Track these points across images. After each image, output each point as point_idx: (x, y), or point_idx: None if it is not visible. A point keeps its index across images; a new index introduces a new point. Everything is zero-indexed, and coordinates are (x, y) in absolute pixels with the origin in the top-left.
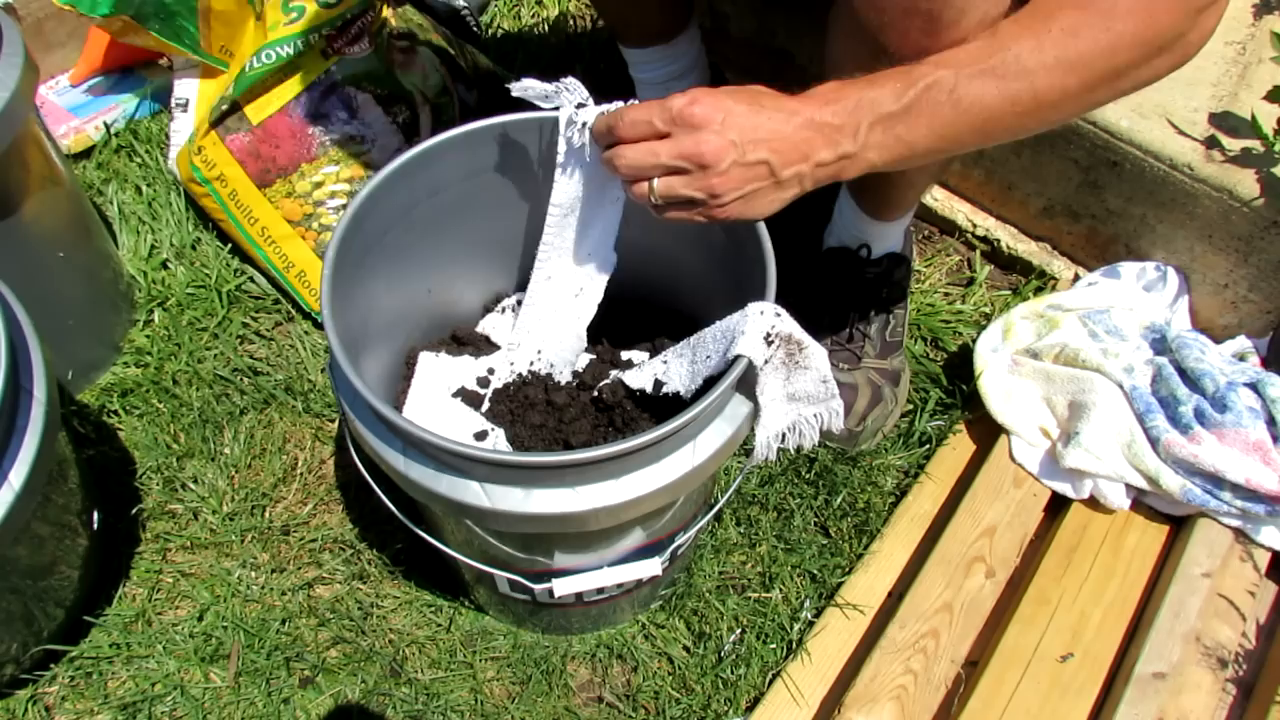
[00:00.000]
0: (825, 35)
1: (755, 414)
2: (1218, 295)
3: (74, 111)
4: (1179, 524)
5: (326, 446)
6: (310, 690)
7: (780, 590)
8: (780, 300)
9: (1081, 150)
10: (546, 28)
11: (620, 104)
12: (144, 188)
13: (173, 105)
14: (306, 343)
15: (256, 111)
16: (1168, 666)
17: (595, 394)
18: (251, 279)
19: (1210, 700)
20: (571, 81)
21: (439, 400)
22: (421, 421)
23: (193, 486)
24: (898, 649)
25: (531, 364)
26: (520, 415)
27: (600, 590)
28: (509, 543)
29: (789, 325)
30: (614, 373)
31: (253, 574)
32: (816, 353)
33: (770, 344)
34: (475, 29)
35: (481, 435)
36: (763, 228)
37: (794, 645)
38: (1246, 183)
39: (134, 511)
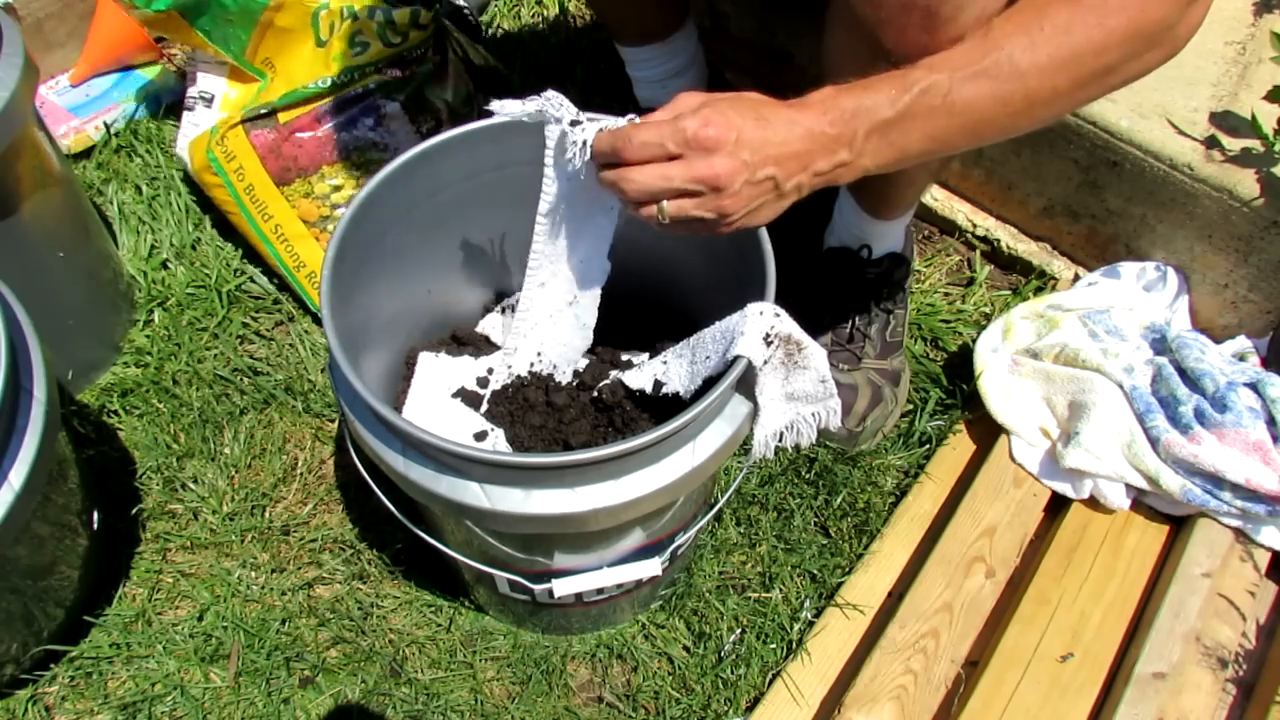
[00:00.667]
0: (822, 33)
1: (754, 413)
2: (1218, 295)
3: (74, 111)
4: (1179, 524)
5: (326, 446)
6: (310, 690)
7: (780, 590)
8: (780, 300)
9: (1081, 150)
10: (546, 27)
11: (616, 119)
12: (144, 188)
13: (191, 97)
14: (306, 343)
15: (287, 114)
16: (1168, 666)
17: (595, 394)
18: (252, 279)
19: (1210, 700)
20: (554, 95)
21: (439, 401)
22: (421, 422)
23: (193, 486)
24: (898, 649)
25: (531, 366)
26: (520, 416)
27: (600, 590)
28: (509, 543)
29: (788, 325)
30: (614, 373)
31: (253, 574)
32: (815, 352)
33: (770, 344)
34: (475, 29)
35: (481, 436)
36: (763, 229)
37: (794, 645)
38: (1246, 183)
39: (134, 511)
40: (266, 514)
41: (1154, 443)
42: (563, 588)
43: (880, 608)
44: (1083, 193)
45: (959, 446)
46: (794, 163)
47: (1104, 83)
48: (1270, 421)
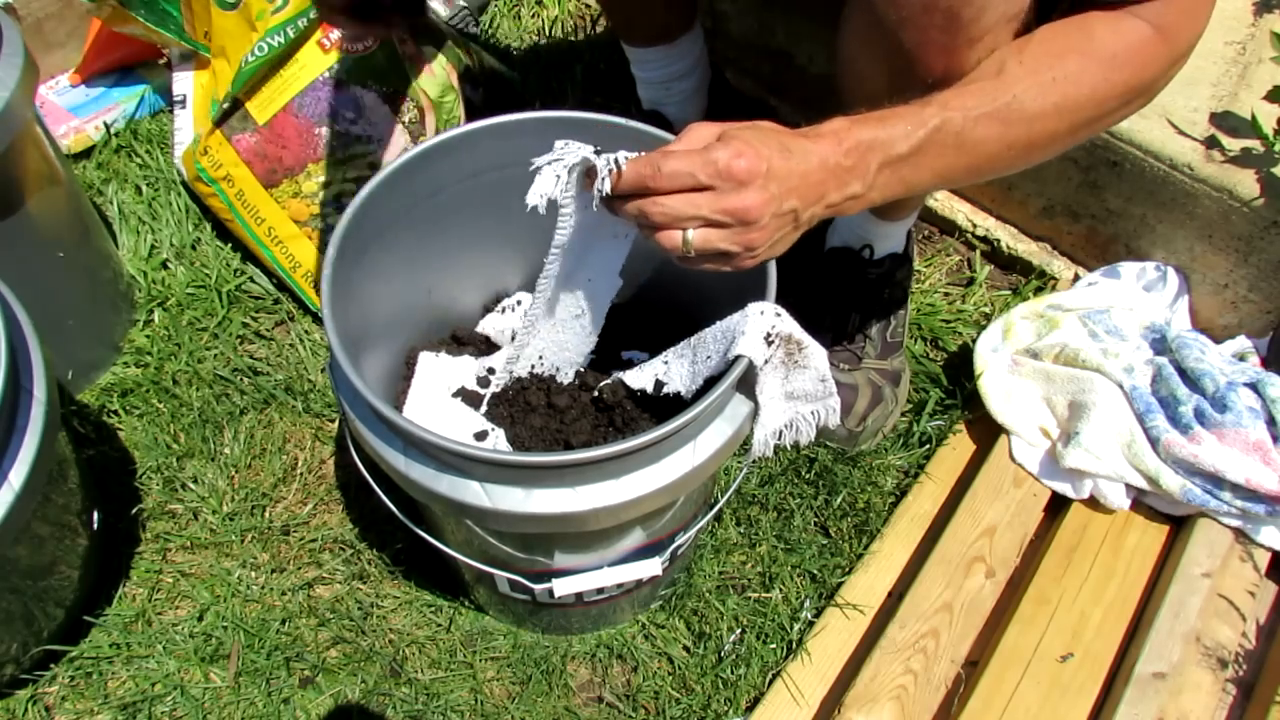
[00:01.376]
0: (836, 34)
1: (754, 412)
2: (1218, 295)
3: (74, 111)
4: (1179, 524)
5: (326, 446)
6: (310, 690)
7: (780, 590)
8: (781, 300)
9: (1081, 150)
10: (546, 28)
11: (636, 153)
12: (144, 187)
13: (175, 102)
14: (306, 343)
15: (261, 110)
16: (1168, 666)
17: (595, 394)
18: (252, 279)
19: (1210, 700)
20: (570, 141)
21: (439, 400)
22: (421, 421)
23: (193, 486)
24: (898, 649)
25: (532, 368)
26: (521, 416)
27: (600, 590)
28: (509, 543)
29: (789, 325)
30: (614, 373)
31: (253, 574)
32: (816, 352)
33: (770, 344)
34: (475, 28)
35: (482, 435)
36: None
37: (794, 645)
38: (1246, 183)
39: (134, 511)
40: (266, 514)
41: (1154, 443)
42: (563, 587)
43: (880, 608)
44: (1083, 193)
45: (959, 446)
46: (811, 193)
47: (1091, 129)
48: (1270, 421)
